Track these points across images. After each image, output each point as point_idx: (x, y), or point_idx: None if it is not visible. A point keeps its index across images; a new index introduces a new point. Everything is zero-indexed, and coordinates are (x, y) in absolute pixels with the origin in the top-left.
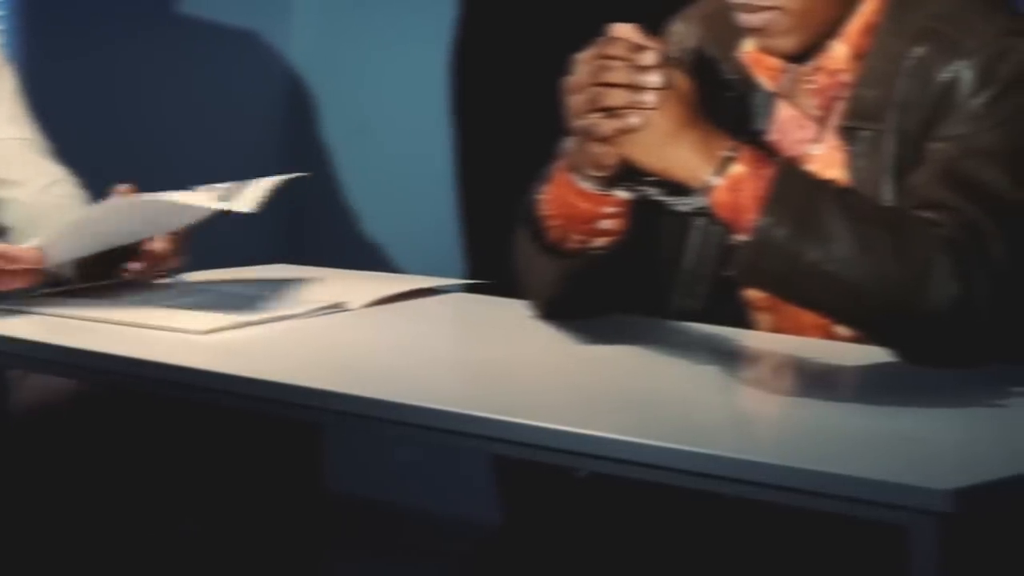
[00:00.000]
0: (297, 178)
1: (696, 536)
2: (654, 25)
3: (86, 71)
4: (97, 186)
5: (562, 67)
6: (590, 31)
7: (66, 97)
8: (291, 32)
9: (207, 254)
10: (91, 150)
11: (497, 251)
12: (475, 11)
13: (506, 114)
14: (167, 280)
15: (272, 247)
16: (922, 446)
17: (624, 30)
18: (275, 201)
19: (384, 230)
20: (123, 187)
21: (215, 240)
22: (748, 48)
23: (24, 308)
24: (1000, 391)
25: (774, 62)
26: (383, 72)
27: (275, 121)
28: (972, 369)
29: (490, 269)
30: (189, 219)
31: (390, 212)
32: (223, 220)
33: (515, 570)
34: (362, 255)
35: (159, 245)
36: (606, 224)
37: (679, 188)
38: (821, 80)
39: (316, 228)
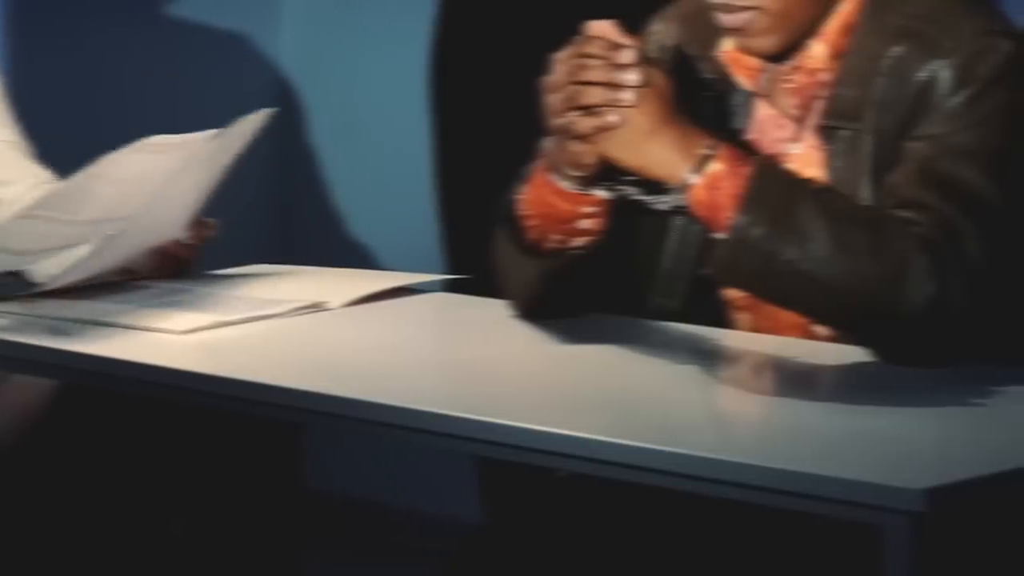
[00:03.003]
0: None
1: (675, 534)
2: (633, 25)
3: (72, 72)
4: None
5: (543, 67)
6: (570, 31)
7: (52, 99)
8: (279, 33)
9: None
10: (78, 152)
11: (480, 250)
12: (454, 11)
13: (488, 113)
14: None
15: (260, 246)
16: (898, 445)
17: (602, 27)
18: (263, 200)
19: (373, 230)
20: None
21: None
22: (727, 47)
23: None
24: (976, 390)
25: (753, 61)
26: (371, 73)
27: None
28: (948, 368)
29: (472, 268)
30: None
31: (379, 212)
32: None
33: (496, 568)
34: (350, 254)
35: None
36: (585, 224)
37: (657, 187)
38: (800, 79)
39: (304, 227)
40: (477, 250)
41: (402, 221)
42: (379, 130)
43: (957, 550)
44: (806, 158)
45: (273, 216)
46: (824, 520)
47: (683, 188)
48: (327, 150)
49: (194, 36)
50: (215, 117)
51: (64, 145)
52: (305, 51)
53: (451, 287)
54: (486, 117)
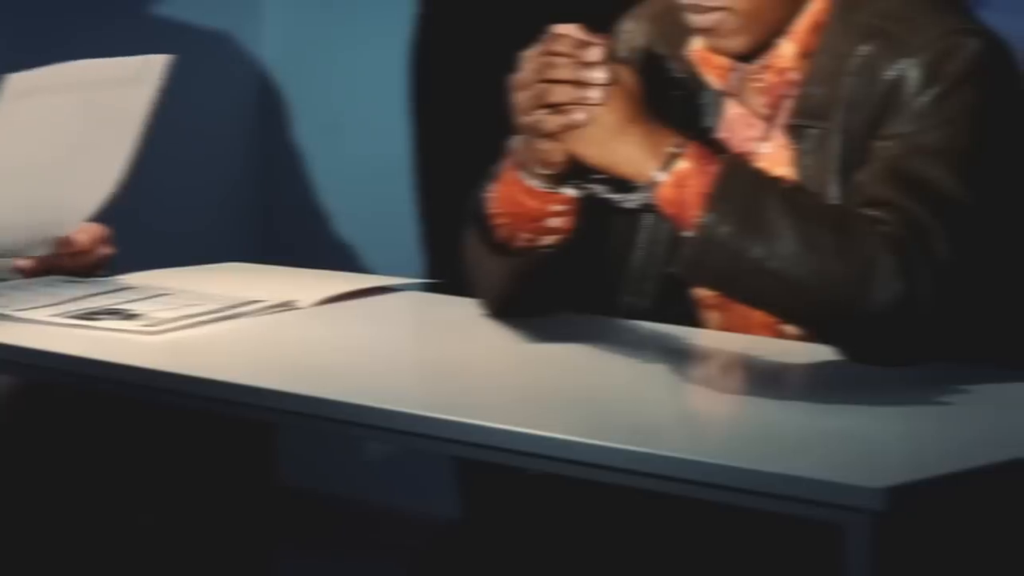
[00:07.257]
0: None
1: (646, 532)
2: (604, 24)
3: None
4: None
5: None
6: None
7: None
8: (262, 32)
9: (175, 252)
10: None
11: (456, 250)
12: (436, 11)
13: (471, 112)
14: (125, 278)
15: (238, 244)
16: (863, 444)
17: (567, 29)
18: (246, 200)
19: (355, 230)
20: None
21: (183, 239)
22: (696, 47)
23: None
24: (942, 389)
25: (722, 60)
26: (354, 72)
27: (246, 120)
28: (915, 367)
29: (452, 268)
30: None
31: (361, 211)
32: (193, 219)
33: (468, 565)
34: (329, 253)
35: (81, 237)
36: (554, 222)
37: (626, 185)
38: (769, 78)
39: (286, 227)
40: (457, 250)
41: (382, 220)
42: (360, 129)
43: (918, 549)
44: (775, 157)
45: (252, 213)
46: (792, 518)
47: (651, 186)
48: (308, 148)
49: (177, 33)
50: (199, 115)
51: None
52: (288, 49)
53: (427, 288)
54: (469, 116)
